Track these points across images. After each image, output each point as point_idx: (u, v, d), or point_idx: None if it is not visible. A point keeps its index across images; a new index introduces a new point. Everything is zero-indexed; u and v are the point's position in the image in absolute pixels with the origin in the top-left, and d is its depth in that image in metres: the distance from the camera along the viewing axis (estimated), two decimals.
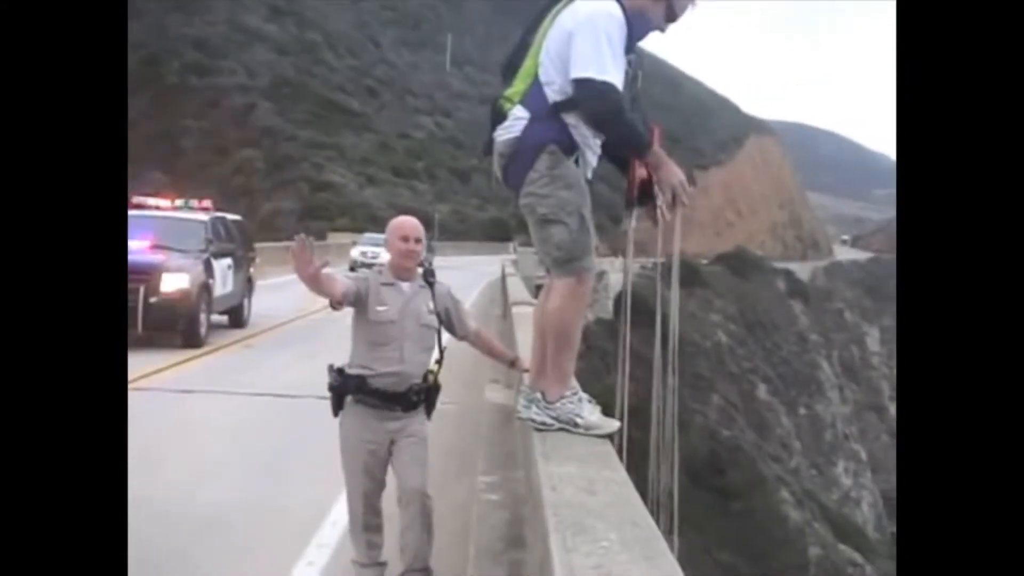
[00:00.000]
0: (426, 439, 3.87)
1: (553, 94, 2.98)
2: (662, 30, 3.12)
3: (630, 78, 3.01)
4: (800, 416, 56.00)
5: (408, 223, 3.87)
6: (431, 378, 3.82)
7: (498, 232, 58.95)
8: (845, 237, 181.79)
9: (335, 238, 41.00)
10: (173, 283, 10.59)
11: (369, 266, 29.89)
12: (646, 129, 3.03)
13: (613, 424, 3.03)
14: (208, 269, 11.64)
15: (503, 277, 20.64)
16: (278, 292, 18.38)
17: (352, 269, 31.92)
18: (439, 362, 3.86)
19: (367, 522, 3.80)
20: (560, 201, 2.98)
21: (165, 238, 11.35)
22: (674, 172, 3.03)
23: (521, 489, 4.84)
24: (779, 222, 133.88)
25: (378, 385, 3.69)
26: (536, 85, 3.01)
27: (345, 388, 3.73)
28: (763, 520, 32.38)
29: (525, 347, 5.81)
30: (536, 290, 22.68)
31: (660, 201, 3.08)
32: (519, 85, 3.06)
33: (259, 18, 77.56)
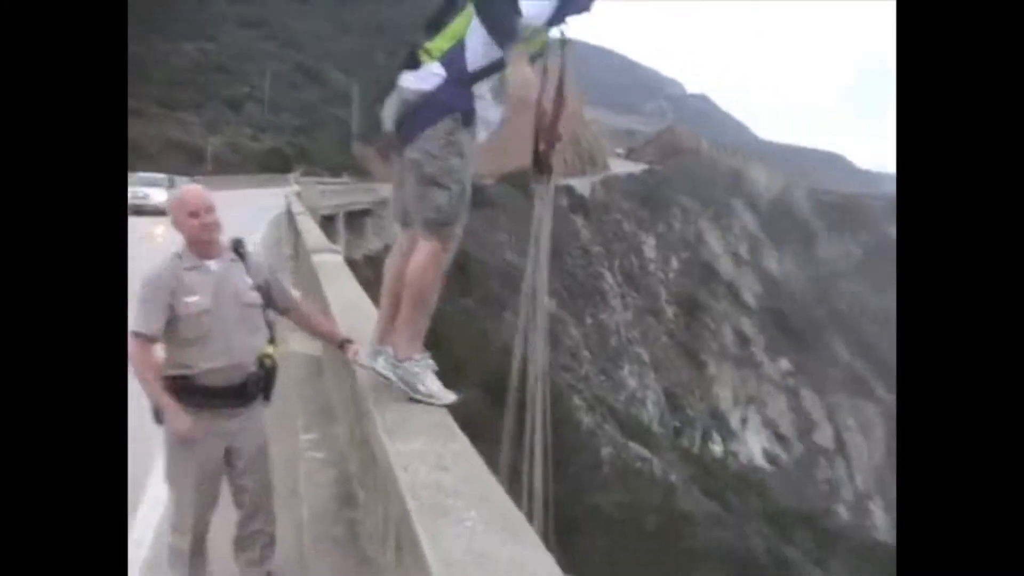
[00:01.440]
0: (267, 446, 3.56)
1: (473, 61, 3.00)
2: (587, 9, 3.16)
3: (559, 43, 3.14)
4: (587, 326, 59.08)
5: (190, 195, 3.35)
6: (268, 362, 3.43)
7: (276, 163, 56.65)
8: (619, 150, 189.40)
9: None
10: None
11: (141, 210, 27.85)
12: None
13: (450, 396, 3.07)
14: None
15: (289, 213, 19.89)
16: None
17: None
18: (272, 341, 3.47)
19: (194, 552, 3.41)
20: (449, 167, 3.02)
21: None
22: (521, 74, 2.95)
23: (343, 446, 4.86)
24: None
25: (206, 382, 3.25)
26: (459, 48, 3.02)
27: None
28: (558, 428, 34.11)
29: (336, 301, 5.73)
30: (322, 221, 22.13)
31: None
32: (441, 43, 3.05)
33: None
